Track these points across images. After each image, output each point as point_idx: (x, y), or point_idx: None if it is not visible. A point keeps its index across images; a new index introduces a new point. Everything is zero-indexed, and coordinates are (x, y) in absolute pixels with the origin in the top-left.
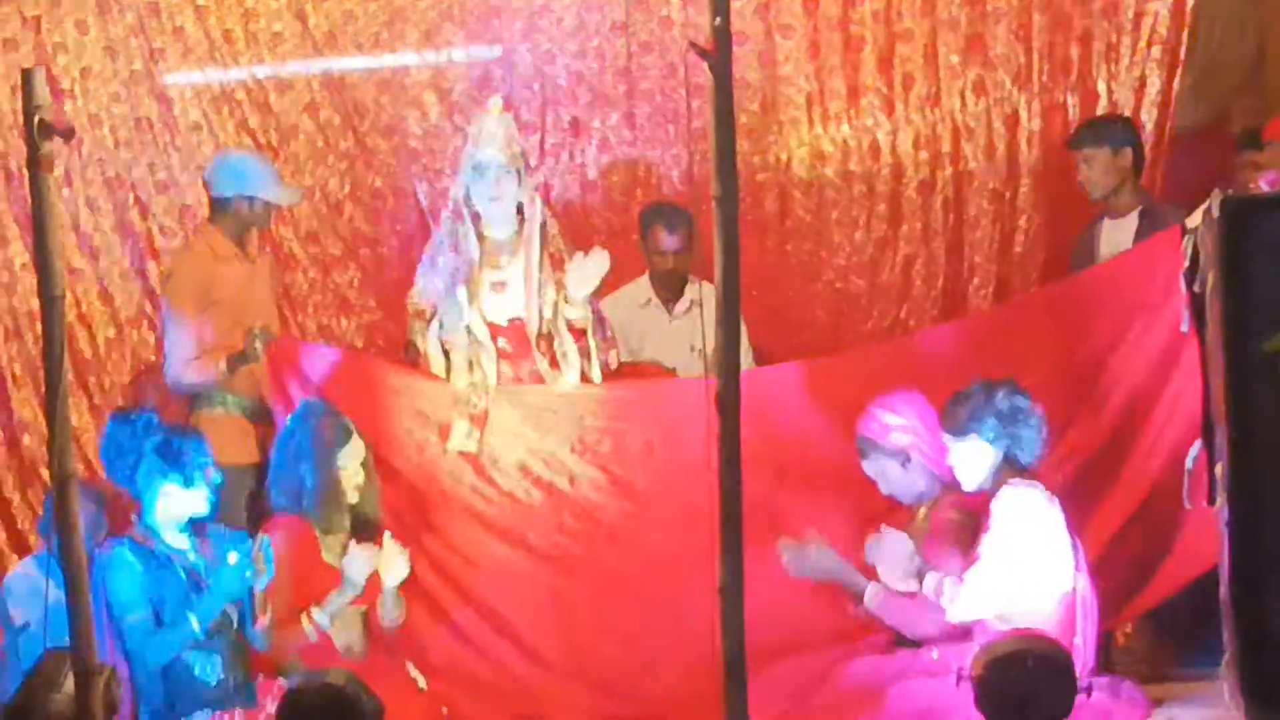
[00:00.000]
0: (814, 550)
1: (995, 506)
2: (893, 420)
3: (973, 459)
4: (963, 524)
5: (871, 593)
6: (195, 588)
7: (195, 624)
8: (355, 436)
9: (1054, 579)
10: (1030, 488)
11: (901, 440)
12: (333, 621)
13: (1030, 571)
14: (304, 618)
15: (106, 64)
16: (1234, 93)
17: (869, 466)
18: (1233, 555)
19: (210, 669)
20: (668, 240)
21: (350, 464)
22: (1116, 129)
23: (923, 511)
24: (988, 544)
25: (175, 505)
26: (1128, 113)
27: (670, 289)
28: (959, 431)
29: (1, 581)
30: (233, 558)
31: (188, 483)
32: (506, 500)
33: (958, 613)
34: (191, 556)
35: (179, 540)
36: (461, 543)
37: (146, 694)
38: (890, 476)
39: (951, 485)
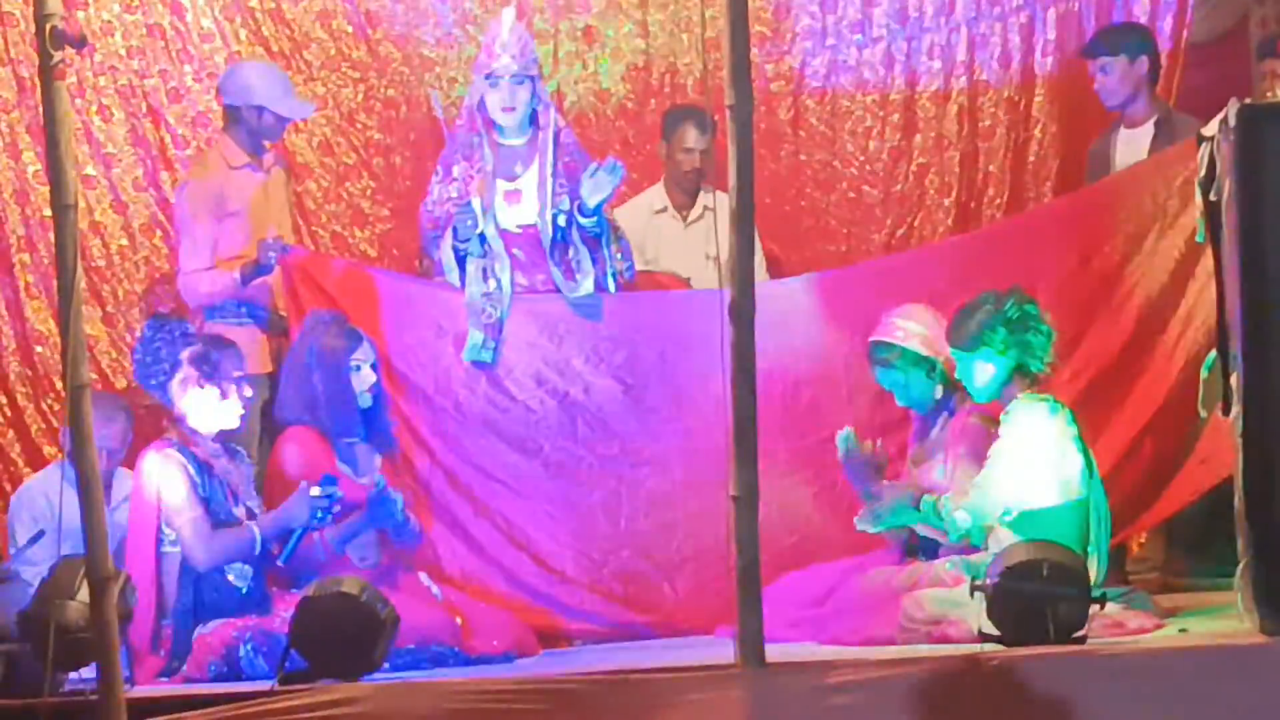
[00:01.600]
0: (864, 458)
1: (1005, 419)
2: (915, 328)
3: (982, 372)
4: (984, 429)
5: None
6: (234, 498)
7: (255, 537)
8: (364, 340)
9: (1062, 490)
10: (1038, 400)
11: (927, 349)
12: (346, 546)
13: (1036, 482)
14: (316, 537)
15: None
16: (1252, 1)
17: (885, 376)
18: (1246, 465)
19: (245, 577)
20: (697, 138)
21: (362, 367)
22: (1132, 37)
23: (942, 420)
24: (994, 455)
25: (209, 417)
26: (1144, 21)
27: (687, 193)
28: (968, 346)
29: (16, 492)
30: (314, 490)
31: (223, 395)
32: (521, 410)
33: (963, 521)
34: (225, 463)
35: (212, 447)
36: (476, 453)
37: (171, 598)
38: (911, 385)
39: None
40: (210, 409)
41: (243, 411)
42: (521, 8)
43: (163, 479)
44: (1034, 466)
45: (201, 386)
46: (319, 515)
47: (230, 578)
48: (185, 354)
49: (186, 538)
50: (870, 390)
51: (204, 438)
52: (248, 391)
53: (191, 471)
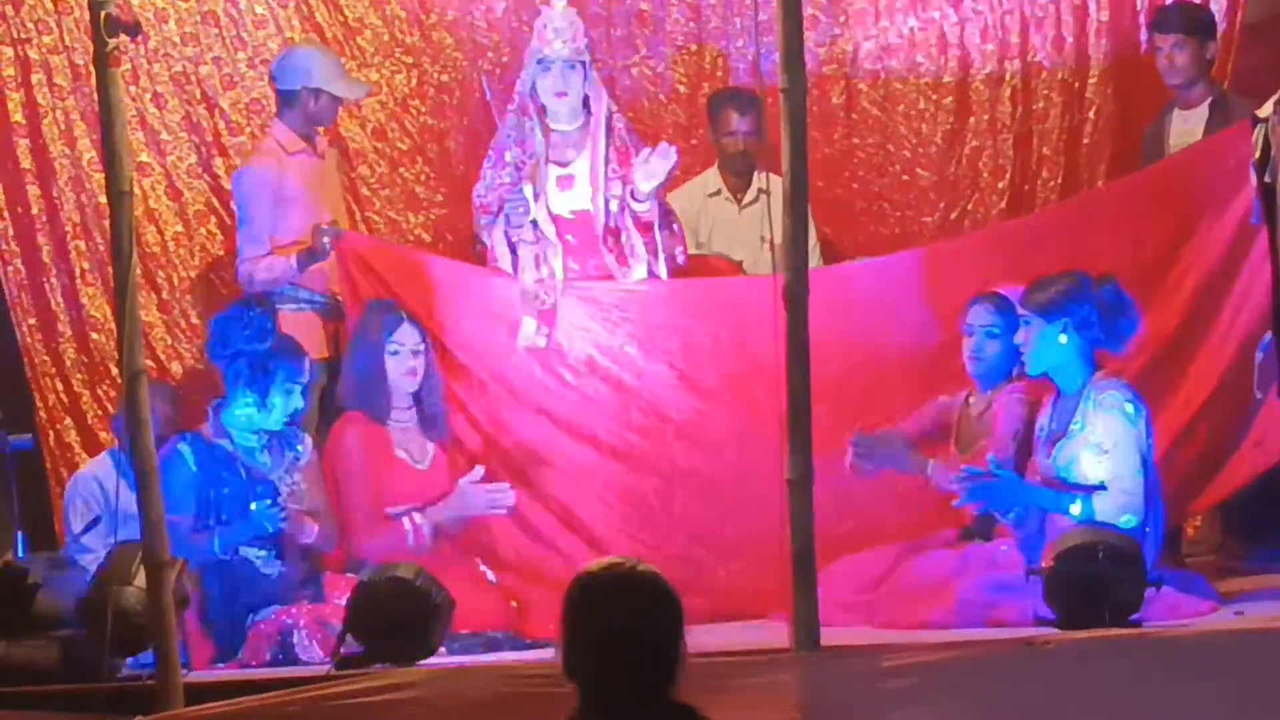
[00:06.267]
0: (879, 441)
1: (1089, 409)
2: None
3: (1048, 341)
4: (1024, 410)
5: (932, 468)
6: (256, 487)
7: (216, 545)
8: (406, 323)
9: (1132, 477)
10: (1121, 387)
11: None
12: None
13: (1125, 473)
14: (406, 521)
15: None
16: None
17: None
18: None
19: (270, 562)
20: (739, 121)
21: (402, 350)
22: (1200, 19)
23: (985, 397)
24: (1078, 450)
25: (247, 418)
26: (1197, 1)
27: (739, 175)
28: (1046, 311)
29: (72, 478)
30: (253, 506)
31: (262, 404)
32: (575, 395)
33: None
34: (259, 456)
35: (249, 439)
36: (530, 438)
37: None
38: (986, 344)
39: (1021, 373)
40: (248, 413)
41: (284, 419)
42: None
43: (165, 472)
44: (1113, 460)
45: (248, 388)
46: (266, 526)
47: (255, 563)
48: (248, 351)
49: (174, 538)
50: (924, 374)
51: (240, 429)
52: (296, 404)
53: (191, 467)
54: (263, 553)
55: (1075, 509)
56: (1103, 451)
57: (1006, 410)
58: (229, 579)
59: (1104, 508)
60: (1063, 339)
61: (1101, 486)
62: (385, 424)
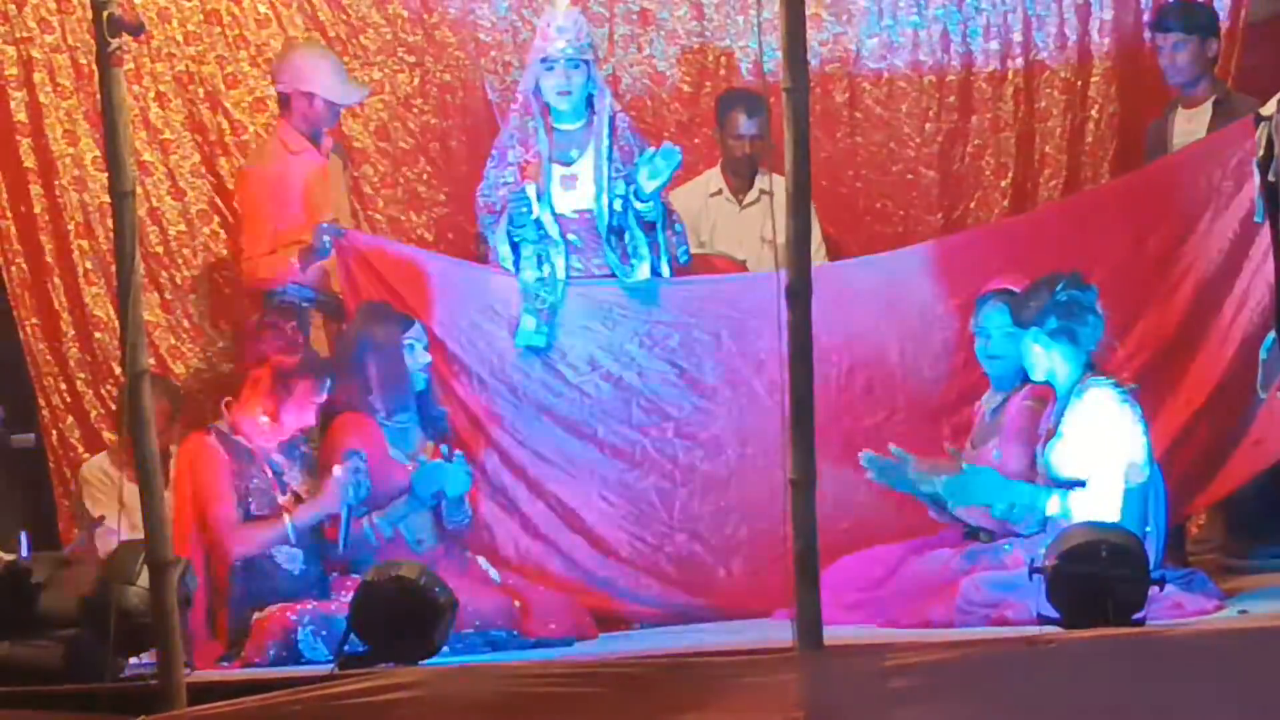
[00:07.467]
0: (896, 463)
1: (1074, 408)
2: None
3: (1033, 352)
4: (1034, 412)
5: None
6: (279, 483)
7: (288, 528)
8: (416, 322)
9: (1127, 475)
10: (1107, 388)
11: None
12: (395, 528)
13: (1104, 470)
14: (365, 523)
15: None
16: None
17: (995, 318)
18: None
19: (295, 559)
20: (747, 124)
21: (415, 346)
22: (1202, 17)
23: (995, 402)
24: (1063, 449)
25: (255, 421)
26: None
27: (742, 177)
28: (1024, 324)
29: (77, 476)
30: (338, 471)
31: (274, 419)
32: (576, 394)
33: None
34: (275, 455)
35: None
36: (531, 437)
37: (224, 584)
38: (996, 341)
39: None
40: (258, 419)
41: (285, 438)
42: None
43: (197, 467)
44: (1102, 462)
45: (265, 398)
46: (351, 495)
47: (279, 560)
48: (275, 360)
49: (215, 528)
50: (924, 372)
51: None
52: (308, 421)
53: (226, 460)
54: (297, 550)
55: (1053, 506)
56: (1083, 450)
57: (1019, 415)
58: (249, 574)
59: (1081, 506)
60: (1037, 349)
61: (1081, 484)
62: (382, 425)
